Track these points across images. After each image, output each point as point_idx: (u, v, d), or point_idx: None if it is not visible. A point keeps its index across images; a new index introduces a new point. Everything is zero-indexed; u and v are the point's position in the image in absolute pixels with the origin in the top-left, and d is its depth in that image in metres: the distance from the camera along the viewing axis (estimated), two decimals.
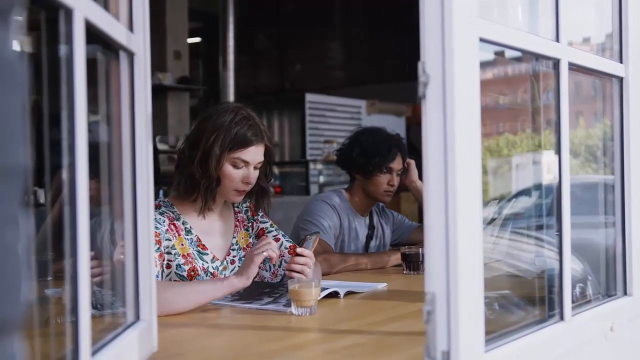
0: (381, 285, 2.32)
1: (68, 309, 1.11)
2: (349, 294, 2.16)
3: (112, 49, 1.29)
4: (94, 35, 1.10)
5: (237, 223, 2.36)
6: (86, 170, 1.01)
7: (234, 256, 2.31)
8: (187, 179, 2.19)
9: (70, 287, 1.00)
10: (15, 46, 0.57)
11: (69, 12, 0.98)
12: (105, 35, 1.17)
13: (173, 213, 2.20)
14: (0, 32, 0.54)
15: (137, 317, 1.36)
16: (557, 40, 1.50)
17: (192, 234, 2.21)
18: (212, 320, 1.85)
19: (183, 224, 2.21)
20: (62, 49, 1.00)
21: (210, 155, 2.14)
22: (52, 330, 1.27)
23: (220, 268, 2.25)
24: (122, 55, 1.32)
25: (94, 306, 1.25)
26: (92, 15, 1.06)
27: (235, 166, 2.18)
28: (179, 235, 2.18)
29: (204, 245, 2.23)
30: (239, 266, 2.28)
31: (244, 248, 2.34)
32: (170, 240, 2.13)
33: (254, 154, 2.19)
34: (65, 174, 1.00)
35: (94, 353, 1.07)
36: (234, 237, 2.33)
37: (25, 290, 0.58)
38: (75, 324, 1.00)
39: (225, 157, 2.16)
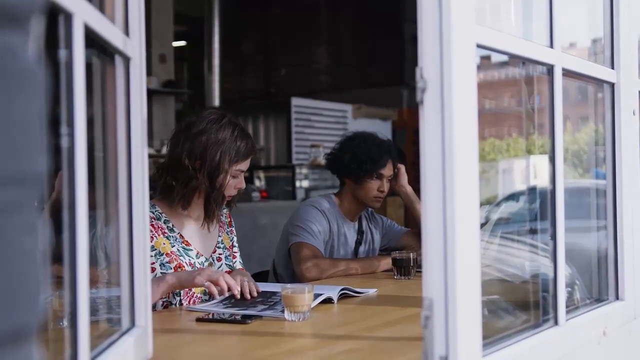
0: (372, 291, 2.33)
1: (62, 315, 1.10)
2: (342, 297, 2.16)
3: (108, 53, 1.28)
4: (91, 39, 1.09)
5: (221, 224, 2.45)
6: (85, 175, 1.00)
7: (219, 254, 2.39)
8: (191, 192, 2.24)
9: (69, 293, 0.99)
10: (34, 53, 0.56)
11: (68, 17, 0.97)
12: (102, 40, 1.16)
13: (153, 213, 2.23)
14: (20, 39, 0.54)
15: (133, 324, 1.35)
16: (551, 46, 1.51)
17: (175, 232, 2.27)
18: (206, 326, 1.83)
19: (165, 222, 2.26)
20: (62, 53, 0.99)
21: (219, 171, 2.23)
22: (47, 336, 1.26)
23: (206, 264, 2.32)
24: (118, 60, 1.31)
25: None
26: (91, 20, 1.05)
27: (234, 177, 2.29)
28: (159, 235, 2.23)
29: (187, 241, 2.29)
30: (226, 264, 2.39)
31: (228, 248, 2.43)
32: (149, 242, 2.15)
33: (249, 162, 2.33)
34: (64, 178, 0.99)
35: None
36: (219, 236, 2.42)
37: (43, 297, 0.58)
38: (74, 331, 0.99)
39: (230, 172, 2.26)
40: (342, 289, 2.18)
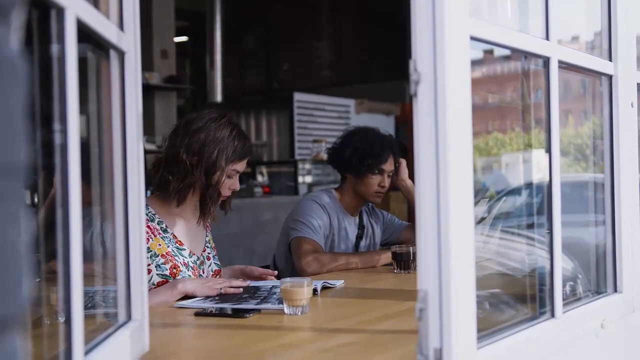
0: (339, 283, 2.36)
1: (58, 309, 1.11)
2: (324, 288, 2.22)
3: (103, 48, 1.28)
4: (84, 34, 1.09)
5: (208, 224, 2.47)
6: (78, 171, 1.01)
7: (208, 253, 2.43)
8: (187, 188, 2.26)
9: (63, 288, 0.99)
10: (16, 45, 0.56)
11: (60, 11, 0.97)
12: (96, 34, 1.16)
13: (147, 214, 2.23)
14: (1, 31, 0.54)
15: (129, 317, 1.36)
16: (547, 38, 1.50)
17: (168, 232, 2.29)
18: (204, 320, 1.84)
19: (158, 223, 2.29)
20: (54, 48, 0.99)
21: (216, 168, 2.25)
22: (42, 331, 1.26)
23: (198, 263, 2.35)
24: (113, 55, 1.32)
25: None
26: (84, 14, 1.05)
27: (229, 177, 2.30)
28: (155, 236, 2.25)
29: (180, 241, 2.31)
30: (214, 263, 2.43)
31: (213, 247, 2.47)
32: (145, 237, 2.17)
33: (245, 164, 2.35)
34: (57, 175, 1.00)
35: (86, 353, 1.07)
36: (207, 236, 2.45)
37: (26, 288, 0.58)
38: (68, 324, 0.99)
39: (227, 170, 2.27)
40: (324, 286, 2.23)
